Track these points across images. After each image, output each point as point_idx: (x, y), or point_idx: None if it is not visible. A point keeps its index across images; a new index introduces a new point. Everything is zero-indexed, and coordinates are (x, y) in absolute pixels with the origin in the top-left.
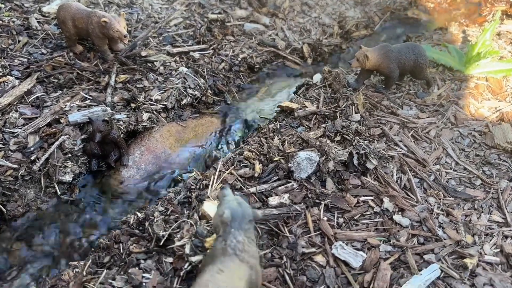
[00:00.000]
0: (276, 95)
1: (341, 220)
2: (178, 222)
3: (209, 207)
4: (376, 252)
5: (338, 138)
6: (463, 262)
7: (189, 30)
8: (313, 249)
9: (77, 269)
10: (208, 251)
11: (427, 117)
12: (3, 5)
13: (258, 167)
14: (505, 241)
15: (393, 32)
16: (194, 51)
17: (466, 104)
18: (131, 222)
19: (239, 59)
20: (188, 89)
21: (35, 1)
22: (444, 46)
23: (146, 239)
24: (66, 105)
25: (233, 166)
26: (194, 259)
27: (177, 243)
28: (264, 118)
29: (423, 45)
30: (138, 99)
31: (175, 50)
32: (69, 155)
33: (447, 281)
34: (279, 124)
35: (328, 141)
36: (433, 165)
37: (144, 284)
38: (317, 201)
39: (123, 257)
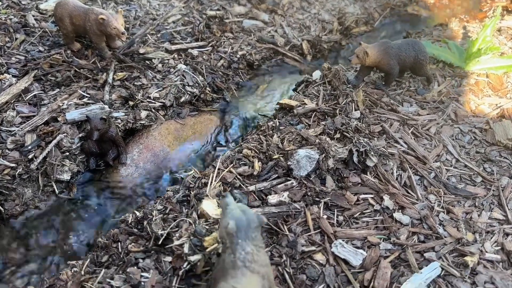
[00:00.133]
0: (275, 92)
1: (341, 218)
2: (177, 221)
3: (208, 206)
4: (376, 250)
5: (337, 135)
6: (464, 260)
7: (187, 27)
8: (312, 248)
9: (75, 269)
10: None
11: (428, 114)
12: (0, 3)
13: (257, 165)
14: (506, 239)
15: (393, 29)
16: (192, 48)
17: (467, 101)
18: (130, 221)
19: (238, 56)
20: (186, 86)
21: None
22: (444, 42)
23: (144, 238)
24: (63, 103)
25: (232, 164)
26: (193, 258)
27: (176, 242)
28: (263, 116)
29: (423, 41)
30: (136, 97)
31: (173, 47)
32: (67, 153)
33: (448, 279)
34: (279, 122)
35: (327, 139)
36: (433, 162)
37: (142, 283)
38: (317, 199)
39: (121, 256)
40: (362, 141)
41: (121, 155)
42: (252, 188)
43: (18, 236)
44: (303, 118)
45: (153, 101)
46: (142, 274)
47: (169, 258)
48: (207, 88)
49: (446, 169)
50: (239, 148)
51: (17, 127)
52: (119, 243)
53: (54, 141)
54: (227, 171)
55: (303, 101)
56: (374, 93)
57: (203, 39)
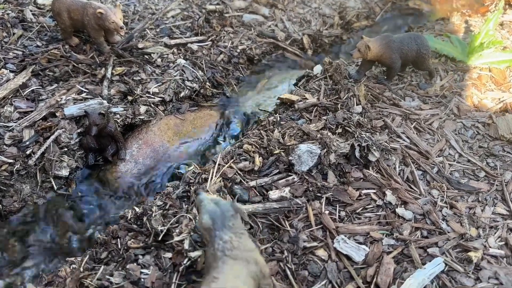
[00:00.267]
0: (276, 87)
1: (343, 213)
2: (177, 216)
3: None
4: (379, 246)
5: (339, 130)
6: (467, 256)
7: (187, 22)
8: (314, 243)
9: (74, 265)
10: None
11: (430, 109)
12: None
13: (258, 160)
14: (510, 234)
15: (394, 23)
16: (192, 42)
17: (469, 95)
18: (129, 217)
19: (238, 50)
20: (186, 81)
21: None
22: (446, 36)
23: (144, 234)
24: (61, 98)
25: (232, 160)
26: (193, 254)
27: (176, 238)
28: (264, 111)
29: (425, 35)
30: (135, 92)
31: (172, 42)
32: (65, 149)
33: (452, 275)
34: (279, 117)
35: (329, 134)
36: (436, 157)
37: (142, 280)
38: (319, 194)
39: (121, 252)
40: (364, 135)
41: (120, 150)
42: (253, 183)
43: (16, 233)
44: (304, 113)
45: (152, 96)
46: (142, 270)
47: (169, 254)
48: (207, 83)
49: (449, 164)
50: (239, 143)
51: (15, 122)
52: (119, 239)
53: (52, 137)
54: (227, 167)
55: (304, 96)
56: (376, 87)
57: (203, 34)
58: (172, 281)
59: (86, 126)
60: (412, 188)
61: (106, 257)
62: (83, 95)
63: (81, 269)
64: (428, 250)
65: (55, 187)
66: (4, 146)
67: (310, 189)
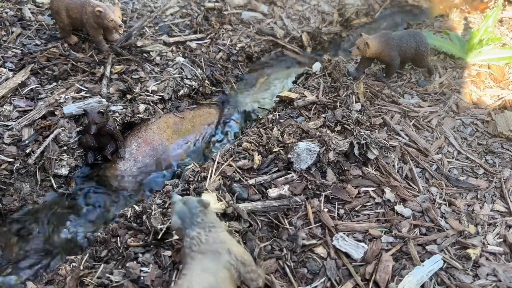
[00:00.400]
0: (275, 84)
1: (342, 211)
2: None
3: (208, 200)
4: (378, 243)
5: (338, 128)
6: (466, 253)
7: (185, 19)
8: (313, 241)
9: (74, 264)
10: None
11: (429, 106)
12: None
13: (257, 158)
14: (508, 231)
15: (394, 20)
16: (191, 40)
17: (468, 92)
18: (129, 215)
19: (237, 48)
20: (185, 79)
21: None
22: (445, 33)
23: (144, 232)
24: (61, 97)
25: (231, 158)
26: None
27: (175, 236)
28: (263, 109)
29: (424, 32)
30: (134, 90)
31: (171, 39)
32: (65, 148)
33: (450, 272)
34: (278, 115)
35: (328, 131)
36: (435, 154)
37: (142, 278)
38: (318, 192)
39: (120, 251)
40: (363, 133)
41: (119, 149)
42: (252, 181)
43: (16, 231)
44: (303, 111)
45: (151, 95)
46: (142, 268)
47: (168, 253)
48: (206, 81)
49: (447, 161)
50: (238, 141)
51: (14, 121)
52: (118, 237)
53: (52, 136)
54: (226, 165)
55: (303, 94)
56: (375, 85)
57: (202, 32)
58: (172, 279)
59: (86, 125)
60: (411, 186)
61: (106, 255)
62: (82, 93)
63: (81, 268)
64: (426, 247)
65: (55, 186)
66: (4, 145)
67: (309, 187)
